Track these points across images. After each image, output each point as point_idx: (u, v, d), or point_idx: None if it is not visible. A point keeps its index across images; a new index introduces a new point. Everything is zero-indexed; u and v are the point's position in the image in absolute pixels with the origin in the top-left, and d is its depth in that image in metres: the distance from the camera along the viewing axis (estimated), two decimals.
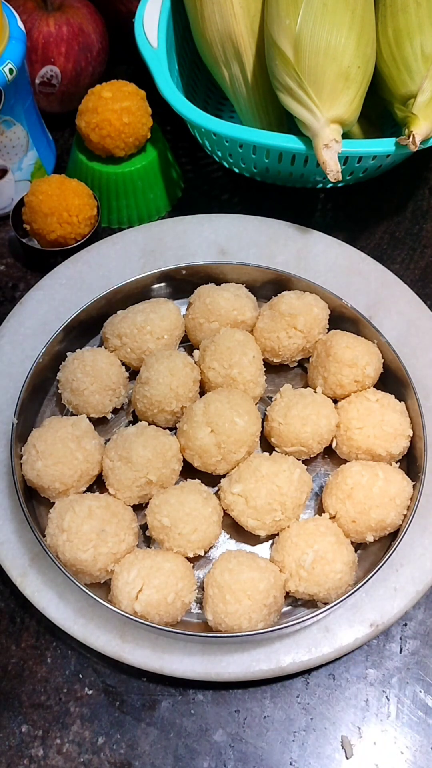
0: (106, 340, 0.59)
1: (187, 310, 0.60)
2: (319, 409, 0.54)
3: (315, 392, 0.55)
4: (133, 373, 0.58)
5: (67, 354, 0.57)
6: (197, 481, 0.53)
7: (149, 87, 0.65)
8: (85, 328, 0.60)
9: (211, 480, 0.55)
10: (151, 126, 0.67)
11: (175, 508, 0.50)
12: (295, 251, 0.64)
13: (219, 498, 0.53)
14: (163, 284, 0.62)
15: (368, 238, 0.70)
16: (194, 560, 0.53)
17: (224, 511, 0.53)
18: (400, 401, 0.55)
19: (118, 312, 0.59)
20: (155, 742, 0.50)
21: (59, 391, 0.57)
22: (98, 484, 0.55)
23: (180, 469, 0.54)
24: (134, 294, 0.61)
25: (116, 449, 0.53)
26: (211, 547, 0.53)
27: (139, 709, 0.51)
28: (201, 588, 0.51)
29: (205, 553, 0.52)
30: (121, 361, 0.58)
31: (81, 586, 0.48)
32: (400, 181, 0.74)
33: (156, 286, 0.62)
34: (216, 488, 0.55)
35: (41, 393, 0.58)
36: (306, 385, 0.58)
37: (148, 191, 0.70)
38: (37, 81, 0.71)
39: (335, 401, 0.56)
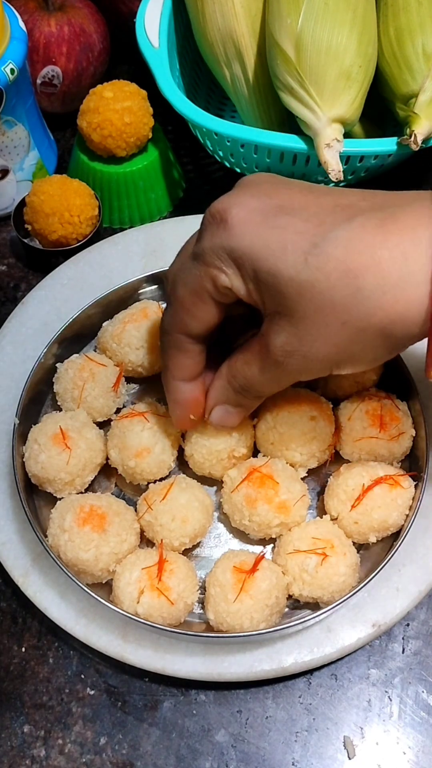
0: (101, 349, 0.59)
1: None
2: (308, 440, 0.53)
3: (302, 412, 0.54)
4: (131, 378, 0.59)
5: (57, 365, 0.57)
6: (182, 476, 0.53)
7: (151, 87, 0.65)
8: (84, 331, 0.60)
9: (213, 481, 0.55)
10: (152, 126, 0.67)
11: (156, 502, 0.51)
12: None
13: (221, 503, 0.53)
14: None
15: None
16: (195, 559, 0.53)
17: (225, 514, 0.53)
18: (402, 401, 0.55)
19: (105, 323, 0.59)
20: (157, 743, 0.50)
21: (59, 403, 0.57)
22: (104, 475, 0.55)
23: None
24: (132, 296, 0.61)
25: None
26: (199, 538, 0.52)
27: (141, 709, 0.51)
28: (203, 588, 0.51)
29: (194, 546, 0.53)
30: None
31: (83, 587, 0.48)
32: (402, 181, 0.74)
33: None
34: (215, 488, 0.55)
35: (43, 393, 0.58)
36: (307, 386, 0.58)
37: (149, 191, 0.70)
38: (39, 81, 0.71)
39: (336, 402, 0.56)
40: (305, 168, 0.63)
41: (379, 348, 0.41)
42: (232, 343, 0.49)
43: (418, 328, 0.39)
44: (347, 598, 0.48)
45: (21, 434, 0.53)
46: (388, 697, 0.52)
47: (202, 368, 0.49)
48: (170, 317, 0.46)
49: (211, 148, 0.67)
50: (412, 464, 0.55)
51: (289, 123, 0.66)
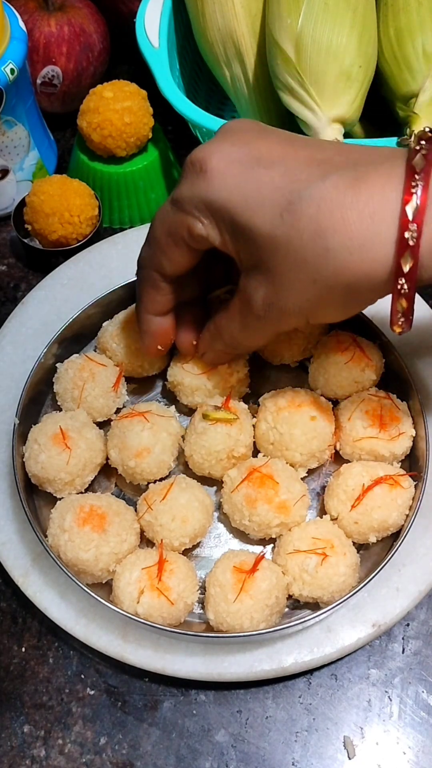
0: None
1: None
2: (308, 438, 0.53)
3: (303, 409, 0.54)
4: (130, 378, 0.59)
5: (57, 365, 0.57)
6: (182, 476, 0.54)
7: (150, 87, 0.65)
8: (84, 331, 0.60)
9: (213, 481, 0.55)
10: (152, 126, 0.68)
11: (156, 502, 0.51)
12: None
13: (221, 503, 0.53)
14: None
15: None
16: (195, 559, 0.53)
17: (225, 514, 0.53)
18: (402, 401, 0.55)
19: (105, 323, 0.59)
20: (157, 743, 0.50)
21: (59, 403, 0.57)
22: (104, 475, 0.55)
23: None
24: (132, 296, 0.61)
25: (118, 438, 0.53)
26: (199, 538, 0.52)
27: (141, 709, 0.51)
28: (203, 588, 0.51)
29: (194, 546, 0.53)
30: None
31: (83, 587, 0.48)
32: None
33: None
34: (215, 488, 0.55)
35: (43, 393, 0.58)
36: (307, 386, 0.58)
37: (149, 191, 0.70)
38: (39, 81, 0.71)
39: (336, 402, 0.56)
40: None
41: (348, 302, 0.43)
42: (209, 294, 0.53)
43: (383, 285, 0.40)
44: (347, 598, 0.48)
45: (21, 434, 0.53)
46: (388, 697, 0.52)
47: (172, 305, 0.51)
48: (146, 254, 0.49)
49: None
50: (412, 464, 0.55)
51: (289, 123, 0.66)
